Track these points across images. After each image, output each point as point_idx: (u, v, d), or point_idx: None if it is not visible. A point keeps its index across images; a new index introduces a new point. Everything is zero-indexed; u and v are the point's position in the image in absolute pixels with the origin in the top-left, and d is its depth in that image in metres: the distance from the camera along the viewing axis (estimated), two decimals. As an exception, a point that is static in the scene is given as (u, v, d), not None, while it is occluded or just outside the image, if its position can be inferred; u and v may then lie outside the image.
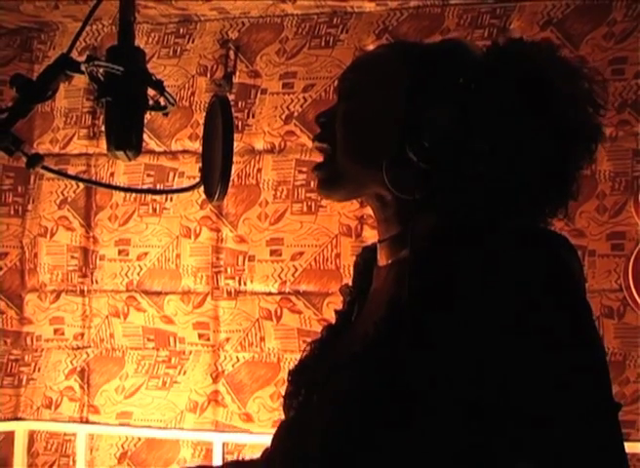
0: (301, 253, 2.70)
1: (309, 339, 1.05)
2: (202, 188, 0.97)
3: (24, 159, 0.83)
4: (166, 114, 0.93)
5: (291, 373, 1.00)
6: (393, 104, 0.90)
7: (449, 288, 0.78)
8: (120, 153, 0.86)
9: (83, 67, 0.84)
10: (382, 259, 0.96)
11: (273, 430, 0.98)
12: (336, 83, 1.03)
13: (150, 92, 0.87)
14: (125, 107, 0.85)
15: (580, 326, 0.77)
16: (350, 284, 1.07)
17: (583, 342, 0.76)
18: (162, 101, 0.89)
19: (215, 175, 0.91)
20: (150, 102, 0.88)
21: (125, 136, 0.86)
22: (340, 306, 1.06)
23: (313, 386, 0.90)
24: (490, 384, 0.74)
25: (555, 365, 0.74)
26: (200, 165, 0.97)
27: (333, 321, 1.05)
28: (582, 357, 0.75)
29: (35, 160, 0.84)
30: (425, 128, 0.85)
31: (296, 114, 2.74)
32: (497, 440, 0.75)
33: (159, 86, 0.86)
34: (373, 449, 0.77)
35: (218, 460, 2.67)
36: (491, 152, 0.83)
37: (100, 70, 0.84)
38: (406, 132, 0.86)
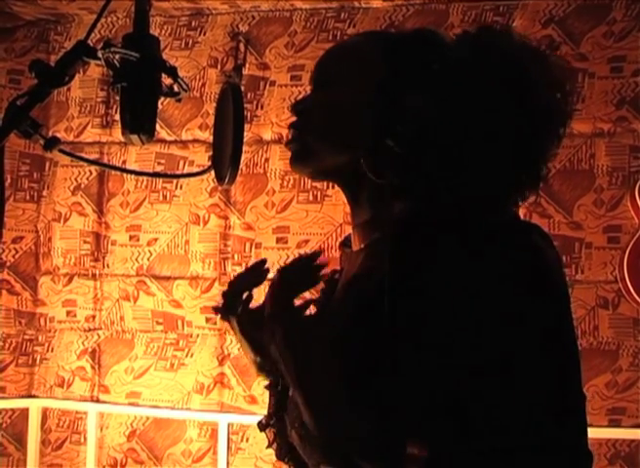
0: (307, 241, 2.76)
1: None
2: (213, 172, 0.99)
3: (42, 142, 0.84)
4: (179, 100, 0.94)
5: (267, 366, 1.02)
6: (369, 92, 0.90)
7: (425, 274, 0.77)
8: (134, 137, 0.88)
9: (99, 54, 0.85)
10: (356, 244, 0.97)
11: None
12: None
13: (165, 79, 0.89)
14: (139, 93, 0.87)
15: (552, 310, 0.77)
16: (332, 272, 1.06)
17: (553, 327, 0.77)
18: (176, 88, 0.91)
19: (225, 160, 0.93)
20: (164, 89, 0.90)
21: (139, 121, 0.88)
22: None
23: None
24: (465, 367, 0.73)
25: (528, 347, 0.74)
26: (210, 153, 0.99)
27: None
28: (555, 344, 0.76)
29: (53, 143, 0.85)
30: (401, 114, 0.85)
31: (303, 106, 2.80)
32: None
33: (173, 72, 0.88)
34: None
35: (223, 440, 2.74)
36: (465, 136, 0.83)
37: (116, 57, 0.86)
38: (382, 118, 0.87)
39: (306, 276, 0.92)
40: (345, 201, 0.99)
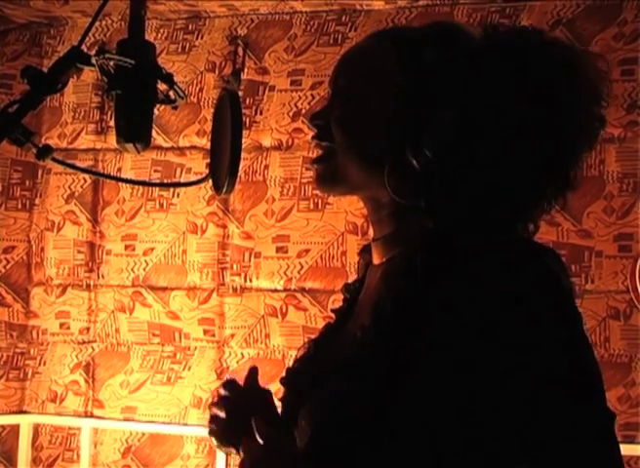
0: (307, 251, 2.71)
1: (312, 337, 1.04)
2: (210, 181, 0.97)
3: (34, 151, 0.84)
4: (175, 107, 0.93)
5: (280, 378, 0.99)
6: (391, 106, 0.87)
7: (438, 303, 0.76)
8: (129, 145, 0.88)
9: (94, 60, 0.84)
10: (376, 258, 0.95)
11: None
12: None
13: (161, 86, 0.87)
14: (135, 100, 0.85)
15: (573, 341, 0.76)
16: (354, 281, 1.06)
17: (577, 355, 0.75)
18: (172, 95, 0.90)
19: (223, 169, 0.91)
20: (160, 96, 0.88)
21: (134, 129, 0.87)
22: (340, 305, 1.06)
23: (301, 390, 0.90)
24: (480, 396, 0.73)
25: (549, 381, 0.72)
26: (208, 160, 0.98)
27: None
28: (577, 371, 0.74)
29: (45, 151, 0.85)
30: (427, 133, 0.82)
31: (303, 111, 2.75)
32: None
33: (169, 79, 0.87)
34: (354, 456, 0.76)
35: (221, 457, 2.69)
36: (493, 155, 0.81)
37: (111, 63, 0.85)
38: (407, 136, 0.84)
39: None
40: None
